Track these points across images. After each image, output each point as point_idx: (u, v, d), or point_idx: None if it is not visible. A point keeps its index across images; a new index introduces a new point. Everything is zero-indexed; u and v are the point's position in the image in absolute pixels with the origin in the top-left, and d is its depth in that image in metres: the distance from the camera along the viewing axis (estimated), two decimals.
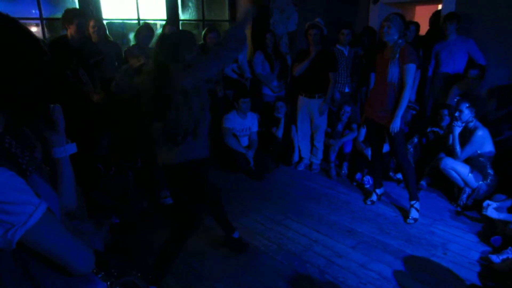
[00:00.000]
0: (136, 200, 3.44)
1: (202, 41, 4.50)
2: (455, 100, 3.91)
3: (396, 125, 3.23)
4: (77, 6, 4.17)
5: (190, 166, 2.25)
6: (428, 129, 4.20)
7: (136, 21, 4.66)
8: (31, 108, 0.94)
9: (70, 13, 3.51)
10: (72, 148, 1.15)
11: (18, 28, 0.90)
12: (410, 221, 3.38)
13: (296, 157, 4.81)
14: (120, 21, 4.79)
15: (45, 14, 4.11)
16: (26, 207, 0.85)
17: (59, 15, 4.04)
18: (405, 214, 3.48)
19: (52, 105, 1.08)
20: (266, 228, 3.26)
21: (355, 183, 4.25)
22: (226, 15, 5.64)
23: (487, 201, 3.13)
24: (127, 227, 3.19)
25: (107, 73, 3.96)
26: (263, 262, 2.82)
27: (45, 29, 4.16)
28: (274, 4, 5.51)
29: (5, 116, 0.90)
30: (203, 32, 4.51)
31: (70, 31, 3.51)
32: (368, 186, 4.09)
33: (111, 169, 3.34)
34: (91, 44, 3.78)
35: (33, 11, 4.06)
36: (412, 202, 3.45)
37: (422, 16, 5.90)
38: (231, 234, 2.93)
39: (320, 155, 4.66)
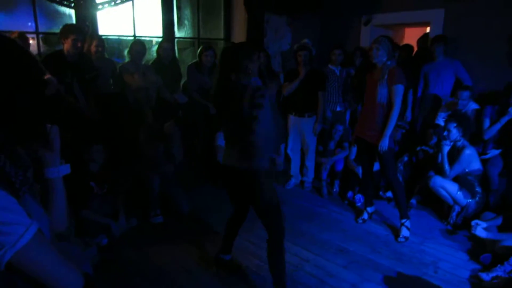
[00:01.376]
0: (126, 219, 3.42)
1: (197, 59, 4.56)
2: (443, 119, 4.01)
3: (384, 143, 3.29)
4: (74, 22, 4.23)
5: (251, 173, 2.34)
6: (418, 148, 4.27)
7: (132, 38, 4.72)
8: (29, 128, 0.95)
9: (67, 29, 3.57)
10: (66, 169, 1.16)
11: (19, 49, 0.93)
12: (401, 239, 3.40)
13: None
14: (116, 37, 4.85)
15: (41, 29, 4.17)
16: (17, 227, 0.84)
17: (55, 29, 4.12)
18: (396, 232, 3.50)
19: (49, 126, 1.10)
20: (258, 248, 3.24)
21: (346, 202, 4.28)
22: (221, 34, 5.74)
23: (476, 221, 3.17)
24: (116, 246, 3.16)
25: (101, 89, 4.00)
26: (254, 283, 2.80)
27: (41, 43, 4.20)
28: (268, 24, 5.63)
29: (1, 136, 0.91)
30: (198, 50, 4.58)
31: (66, 46, 3.56)
32: (359, 204, 4.12)
33: (104, 187, 3.33)
34: (87, 59, 3.83)
35: (29, 24, 4.11)
36: (403, 221, 3.47)
37: (411, 37, 6.06)
38: (225, 255, 2.91)
39: (311, 174, 4.69)
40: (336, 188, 4.55)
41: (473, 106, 4.10)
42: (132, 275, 2.84)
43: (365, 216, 3.80)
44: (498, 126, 3.78)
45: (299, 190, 4.70)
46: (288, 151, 4.73)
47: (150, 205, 3.63)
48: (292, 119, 4.56)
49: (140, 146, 3.67)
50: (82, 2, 4.14)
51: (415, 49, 5.40)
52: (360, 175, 4.08)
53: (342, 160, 4.61)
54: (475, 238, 3.26)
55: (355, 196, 4.21)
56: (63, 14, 4.27)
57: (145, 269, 2.93)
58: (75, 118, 3.43)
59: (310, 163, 4.65)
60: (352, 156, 4.46)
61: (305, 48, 4.32)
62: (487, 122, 3.88)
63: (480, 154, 3.79)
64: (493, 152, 3.83)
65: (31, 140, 1.04)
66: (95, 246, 2.86)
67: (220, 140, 4.35)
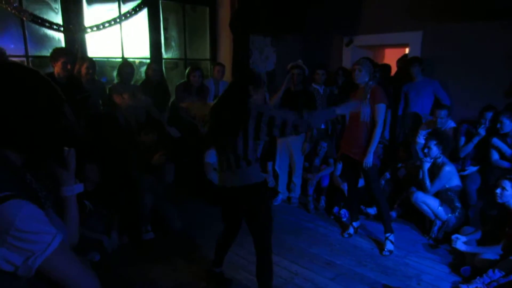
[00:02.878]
0: (118, 235, 3.44)
1: (185, 79, 4.67)
2: (424, 137, 4.19)
3: (369, 160, 3.43)
4: (63, 45, 4.31)
5: (254, 188, 2.46)
6: (399, 164, 4.43)
7: (121, 59, 4.81)
8: (50, 151, 1.05)
9: (57, 52, 3.67)
10: (79, 187, 1.26)
11: (42, 79, 1.03)
12: (385, 253, 3.52)
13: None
14: (105, 59, 4.94)
15: (31, 52, 4.22)
16: (45, 236, 0.94)
17: (45, 53, 4.19)
18: (381, 246, 3.62)
19: (67, 149, 1.20)
20: (248, 262, 3.30)
21: (332, 216, 4.39)
22: (207, 54, 5.88)
23: (456, 235, 3.32)
24: (108, 262, 3.18)
25: (92, 110, 4.06)
26: None
27: (31, 66, 4.25)
28: (254, 45, 5.80)
29: (24, 156, 1.00)
30: (187, 71, 4.70)
31: (56, 69, 3.64)
32: (345, 219, 4.24)
33: (98, 205, 3.35)
34: (77, 81, 3.90)
35: (18, 47, 4.17)
36: (387, 235, 3.59)
37: (392, 58, 6.33)
38: (216, 268, 2.98)
39: (298, 190, 4.80)
40: (322, 204, 4.66)
41: (451, 124, 4.30)
42: None
43: (351, 230, 3.92)
44: (471, 145, 3.99)
45: (286, 205, 4.79)
46: (276, 168, 4.83)
47: (141, 221, 3.66)
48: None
49: (132, 173, 3.72)
50: (71, 26, 4.24)
51: (395, 69, 5.64)
52: (346, 191, 4.22)
53: (328, 176, 4.74)
54: (455, 252, 3.40)
55: (341, 211, 4.33)
56: (52, 38, 4.36)
57: (137, 285, 2.96)
58: (68, 138, 3.46)
59: (297, 180, 4.76)
60: (338, 172, 4.59)
61: (299, 67, 4.49)
62: (462, 140, 4.09)
63: (459, 171, 3.97)
64: (471, 169, 4.02)
65: (51, 161, 1.13)
66: (88, 263, 2.87)
67: (210, 157, 4.44)
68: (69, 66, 3.65)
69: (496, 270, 2.78)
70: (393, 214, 4.21)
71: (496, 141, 3.76)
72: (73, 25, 4.27)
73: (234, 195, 2.51)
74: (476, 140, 3.94)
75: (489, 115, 3.95)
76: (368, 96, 3.39)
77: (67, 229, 1.17)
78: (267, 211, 2.56)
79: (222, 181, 2.56)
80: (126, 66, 4.31)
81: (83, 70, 4.03)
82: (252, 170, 2.45)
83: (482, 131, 3.90)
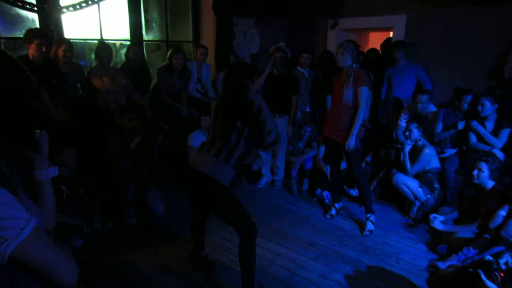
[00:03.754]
0: (101, 221, 3.42)
1: (167, 62, 4.60)
2: (405, 120, 4.25)
3: (351, 142, 3.47)
4: (38, 25, 4.16)
5: (214, 184, 2.41)
6: (389, 145, 4.49)
7: (103, 41, 4.67)
8: (19, 133, 1.02)
9: (30, 33, 3.51)
10: (54, 171, 1.23)
11: (7, 58, 0.99)
12: (366, 233, 3.60)
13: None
14: (83, 41, 4.80)
15: (3, 33, 4.07)
16: (18, 221, 0.91)
17: (18, 34, 4.04)
18: (362, 226, 3.70)
19: (38, 131, 1.16)
20: (232, 244, 3.33)
21: (315, 198, 4.45)
22: (190, 36, 5.78)
23: (434, 214, 3.42)
24: (91, 248, 3.17)
25: (70, 94, 3.96)
26: (229, 277, 2.90)
27: (3, 48, 4.10)
28: (237, 27, 5.73)
29: None
30: (168, 53, 4.61)
31: (31, 51, 3.50)
32: (327, 201, 4.31)
33: (80, 191, 3.31)
34: (53, 64, 3.78)
35: None
36: (368, 215, 3.67)
37: (376, 41, 6.34)
38: (199, 252, 3.00)
39: (281, 173, 4.84)
40: (305, 186, 4.72)
41: (432, 108, 4.36)
42: (108, 276, 2.86)
43: (333, 211, 3.98)
44: (446, 134, 4.09)
45: (270, 188, 4.83)
46: (260, 151, 4.85)
47: (124, 206, 3.64)
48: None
49: (113, 158, 3.67)
50: (45, 6, 4.06)
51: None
52: (328, 173, 4.27)
53: (311, 159, 4.78)
54: (433, 231, 3.51)
55: (324, 193, 4.39)
56: (26, 19, 4.19)
57: (121, 269, 2.97)
58: (44, 122, 3.39)
59: (280, 163, 4.79)
60: (321, 155, 4.64)
61: (281, 50, 4.46)
62: (439, 126, 4.17)
63: (438, 153, 4.06)
64: (450, 151, 4.11)
65: (22, 144, 1.10)
66: (70, 249, 2.86)
67: (193, 141, 4.41)
68: (44, 48, 3.51)
69: (470, 248, 2.89)
70: (372, 195, 4.28)
71: (474, 124, 3.83)
72: (48, 4, 4.08)
73: (199, 180, 2.46)
74: (452, 131, 4.04)
75: (467, 98, 4.02)
76: (351, 79, 3.40)
77: (42, 214, 1.15)
78: (230, 208, 2.51)
79: (194, 162, 2.52)
80: (103, 48, 4.20)
81: (60, 52, 3.92)
82: (224, 169, 2.43)
83: (460, 125, 3.98)
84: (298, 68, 5.02)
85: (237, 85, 2.47)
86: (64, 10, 4.24)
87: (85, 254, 2.92)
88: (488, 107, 3.74)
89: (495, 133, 3.80)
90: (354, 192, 4.28)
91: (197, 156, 2.56)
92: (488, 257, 2.55)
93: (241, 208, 2.51)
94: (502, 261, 2.43)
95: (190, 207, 2.77)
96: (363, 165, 4.41)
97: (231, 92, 2.51)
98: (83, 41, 4.85)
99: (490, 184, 3.19)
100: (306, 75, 5.03)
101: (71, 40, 4.20)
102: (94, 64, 4.28)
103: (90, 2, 4.35)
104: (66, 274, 1.02)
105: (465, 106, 4.04)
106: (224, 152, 2.41)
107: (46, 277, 0.99)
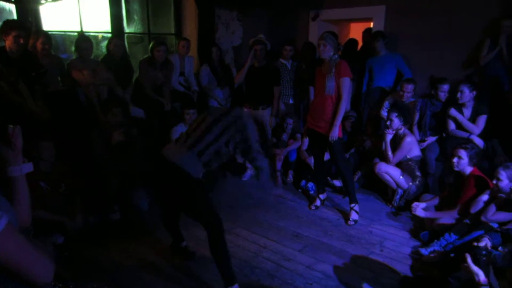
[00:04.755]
0: (84, 216, 3.37)
1: (149, 54, 4.53)
2: (386, 110, 4.30)
3: (334, 134, 3.49)
4: (15, 17, 4.04)
5: (184, 175, 2.39)
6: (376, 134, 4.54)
7: (79, 33, 4.57)
8: None
9: (7, 25, 3.40)
10: (28, 167, 1.20)
11: None
12: (350, 222, 3.64)
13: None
14: (62, 33, 4.69)
15: None
16: None
17: None
18: (346, 216, 3.74)
19: (11, 126, 1.13)
20: None
21: (300, 190, 4.48)
22: (172, 29, 5.70)
23: (416, 203, 3.48)
24: (73, 244, 3.12)
25: (49, 87, 3.87)
26: (215, 271, 2.89)
27: None
28: (220, 20, 5.67)
29: None
30: (150, 45, 4.54)
31: (8, 43, 3.39)
32: (312, 192, 4.34)
33: (61, 186, 3.24)
34: (32, 56, 3.68)
35: None
36: (352, 205, 3.72)
37: (358, 32, 6.37)
38: (179, 243, 2.99)
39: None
40: (290, 178, 4.74)
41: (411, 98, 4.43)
42: (91, 271, 2.83)
43: (318, 203, 4.02)
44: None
45: (255, 181, 4.83)
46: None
47: (107, 202, 3.59)
48: (246, 112, 4.66)
49: (95, 153, 3.61)
50: None
51: (361, 43, 5.69)
52: (312, 165, 4.29)
53: (295, 151, 4.80)
54: (416, 218, 3.58)
55: (308, 185, 4.42)
56: (2, 10, 4.05)
57: (104, 264, 2.93)
58: (22, 116, 3.31)
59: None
60: (305, 147, 4.66)
61: (261, 42, 4.44)
62: (416, 116, 4.24)
63: (419, 142, 4.13)
64: (430, 139, 4.18)
65: None
66: (51, 245, 2.81)
67: (175, 135, 4.37)
68: (21, 40, 3.41)
69: (452, 234, 2.95)
70: (356, 184, 4.33)
71: (453, 111, 3.91)
72: None
73: (169, 170, 2.44)
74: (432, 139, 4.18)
75: (443, 87, 4.08)
76: (333, 70, 3.42)
77: (17, 211, 1.11)
78: (200, 203, 2.49)
79: (167, 152, 2.50)
80: (83, 40, 4.11)
81: (39, 45, 3.81)
82: (195, 162, 2.40)
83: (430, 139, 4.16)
84: (281, 60, 5.02)
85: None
86: (43, 1, 4.12)
87: (67, 250, 2.88)
88: (467, 94, 3.81)
89: (473, 119, 3.88)
90: (338, 183, 4.32)
91: (171, 146, 2.55)
92: (476, 244, 2.60)
93: (209, 202, 2.49)
94: (481, 244, 2.49)
95: (158, 200, 2.74)
96: (347, 155, 4.45)
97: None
98: (62, 33, 4.73)
99: (468, 170, 3.26)
100: (289, 67, 5.03)
101: (50, 32, 4.10)
102: (74, 57, 4.19)
103: None
104: (41, 272, 0.99)
105: (442, 95, 4.11)
106: (198, 146, 2.40)
107: (21, 275, 0.96)
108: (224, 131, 2.43)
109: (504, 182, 2.86)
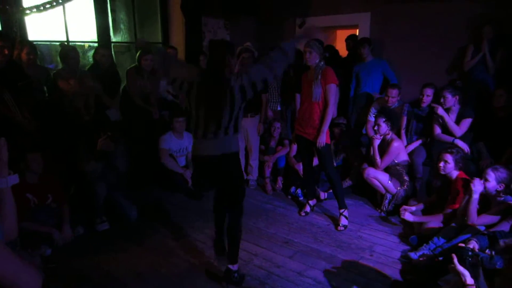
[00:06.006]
0: (72, 227, 3.32)
1: (136, 63, 4.51)
2: (373, 115, 4.35)
3: (322, 139, 3.52)
4: (0, 28, 4.00)
5: (232, 157, 2.62)
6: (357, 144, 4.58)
7: (65, 43, 4.54)
8: None
9: None
10: (14, 179, 1.18)
11: None
12: (340, 228, 3.65)
13: None
14: (48, 43, 4.65)
15: None
16: None
17: None
18: (336, 222, 3.76)
19: None
20: (208, 247, 3.32)
21: (290, 196, 4.48)
22: (159, 37, 5.70)
23: (404, 207, 3.51)
24: (62, 255, 3.07)
25: (35, 97, 3.83)
26: (205, 280, 2.88)
27: None
28: (206, 28, 5.70)
29: None
30: (137, 54, 4.52)
31: None
32: (302, 198, 4.34)
33: (48, 198, 3.20)
34: (17, 67, 3.64)
35: None
36: (342, 211, 3.73)
37: (343, 39, 6.44)
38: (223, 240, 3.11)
39: (255, 172, 4.84)
40: (279, 184, 4.74)
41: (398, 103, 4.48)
42: (80, 282, 2.78)
43: (308, 209, 4.02)
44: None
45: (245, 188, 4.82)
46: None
47: (95, 212, 3.55)
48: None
49: (80, 164, 3.57)
50: (7, 7, 3.92)
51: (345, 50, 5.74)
52: (301, 171, 4.31)
53: (284, 158, 4.81)
54: (404, 222, 3.61)
55: (298, 191, 4.43)
56: None
57: (93, 276, 2.89)
58: (8, 127, 3.27)
59: (254, 162, 4.79)
60: (293, 153, 4.67)
61: (248, 50, 4.46)
62: (404, 121, 4.30)
63: (406, 146, 4.17)
64: (415, 143, 4.24)
65: None
66: (39, 257, 2.76)
67: (165, 144, 4.36)
68: (6, 51, 3.39)
69: (440, 237, 2.98)
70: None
71: (441, 110, 3.91)
72: (10, 5, 3.93)
73: (210, 163, 2.61)
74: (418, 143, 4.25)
75: (427, 91, 4.14)
76: (319, 77, 3.45)
77: (2, 224, 1.10)
78: (241, 173, 2.80)
79: (197, 151, 2.65)
80: (68, 50, 4.08)
81: (23, 55, 3.77)
82: (231, 140, 2.57)
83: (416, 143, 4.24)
84: None
85: (221, 61, 2.54)
86: (28, 11, 4.09)
87: (56, 262, 2.83)
88: (450, 99, 3.88)
89: (458, 123, 3.94)
90: (323, 195, 4.32)
91: (198, 144, 2.65)
92: (462, 245, 2.63)
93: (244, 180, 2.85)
94: (469, 246, 2.52)
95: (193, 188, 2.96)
96: (335, 164, 4.47)
97: (216, 68, 2.56)
98: (48, 43, 4.69)
99: (455, 174, 3.31)
100: None
101: (36, 43, 4.06)
102: (60, 66, 4.15)
103: (54, 4, 4.20)
104: (28, 285, 0.98)
105: (427, 99, 4.14)
106: (220, 131, 2.51)
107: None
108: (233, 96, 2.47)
109: (491, 184, 2.91)
